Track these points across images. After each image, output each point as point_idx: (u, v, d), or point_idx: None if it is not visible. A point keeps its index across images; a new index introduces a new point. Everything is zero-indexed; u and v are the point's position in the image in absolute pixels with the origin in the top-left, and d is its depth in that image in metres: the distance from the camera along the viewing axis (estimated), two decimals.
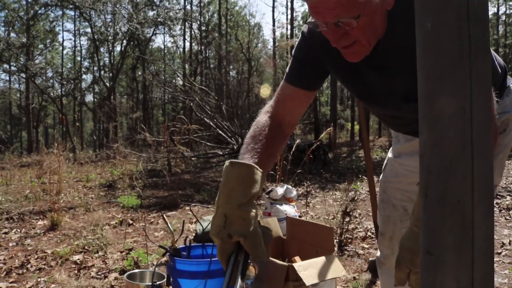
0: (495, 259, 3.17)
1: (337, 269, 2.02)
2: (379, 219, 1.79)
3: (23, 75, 23.05)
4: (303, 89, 1.34)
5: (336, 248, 3.51)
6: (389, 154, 1.75)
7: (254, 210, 1.09)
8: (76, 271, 3.10)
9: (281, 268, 2.00)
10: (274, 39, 29.32)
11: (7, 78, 30.55)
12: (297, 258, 2.20)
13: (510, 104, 1.37)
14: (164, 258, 3.05)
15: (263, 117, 1.34)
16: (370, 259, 3.06)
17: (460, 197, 0.53)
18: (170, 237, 2.41)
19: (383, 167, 1.78)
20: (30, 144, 25.51)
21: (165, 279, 2.16)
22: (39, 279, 2.99)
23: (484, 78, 0.54)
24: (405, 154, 1.64)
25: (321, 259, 2.05)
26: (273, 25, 28.98)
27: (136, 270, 2.34)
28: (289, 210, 3.65)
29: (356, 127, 23.81)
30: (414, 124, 1.53)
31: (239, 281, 1.04)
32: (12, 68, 23.58)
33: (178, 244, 2.23)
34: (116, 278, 2.87)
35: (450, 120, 0.54)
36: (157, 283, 2.16)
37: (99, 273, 3.03)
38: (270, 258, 2.15)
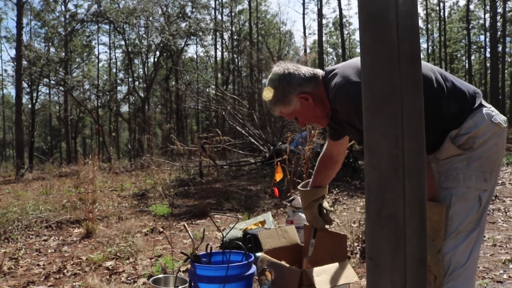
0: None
1: (349, 275, 2.10)
2: None
3: (61, 88, 23.88)
4: (333, 140, 2.12)
5: (358, 255, 3.56)
6: None
7: (313, 210, 2.24)
8: (108, 276, 3.28)
9: (295, 273, 2.10)
10: (305, 46, 29.37)
11: (47, 91, 31.78)
12: (308, 263, 2.30)
13: (474, 125, 1.60)
14: (188, 265, 3.19)
15: (322, 154, 2.22)
16: None
17: (393, 211, 0.63)
18: (198, 244, 2.55)
19: None
20: (69, 154, 26.42)
21: (187, 284, 2.29)
22: (74, 283, 3.18)
23: (415, 110, 0.64)
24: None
25: (334, 265, 2.14)
26: (304, 32, 29.05)
27: (161, 275, 2.48)
28: None
29: None
30: None
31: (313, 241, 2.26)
32: (52, 82, 24.50)
33: (201, 251, 2.36)
34: (144, 283, 3.03)
35: (384, 146, 0.64)
36: (180, 287, 2.29)
37: (129, 278, 3.20)
38: (285, 264, 2.25)
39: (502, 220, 4.69)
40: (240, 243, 2.29)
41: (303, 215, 3.72)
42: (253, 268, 2.15)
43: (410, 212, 0.65)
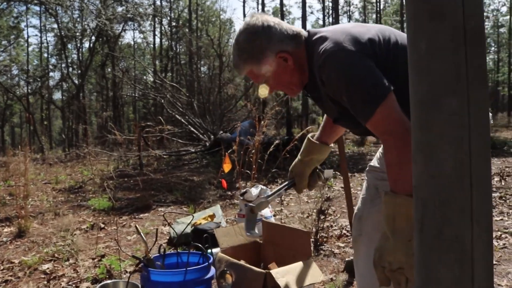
0: None
1: (315, 274, 2.00)
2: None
3: None
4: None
5: (312, 248, 3.49)
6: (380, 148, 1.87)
7: (307, 168, 1.89)
8: (45, 282, 2.99)
9: (258, 275, 1.96)
10: None
11: None
12: (272, 265, 2.17)
13: None
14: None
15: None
16: (347, 259, 3.05)
17: (458, 232, 0.49)
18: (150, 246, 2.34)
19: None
20: None
21: None
22: None
23: (483, 103, 0.50)
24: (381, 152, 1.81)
25: (299, 265, 2.02)
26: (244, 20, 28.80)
27: (109, 281, 2.26)
28: (264, 210, 3.61)
29: None
30: (371, 135, 1.72)
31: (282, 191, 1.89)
32: None
33: (152, 251, 2.17)
34: None
35: (446, 150, 0.50)
36: None
37: (70, 283, 2.93)
38: (247, 265, 2.11)
39: None
40: (192, 242, 2.13)
41: None
42: (213, 271, 1.99)
43: (478, 232, 0.52)
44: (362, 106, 1.35)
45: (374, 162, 1.84)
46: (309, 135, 1.88)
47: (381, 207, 1.67)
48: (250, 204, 1.85)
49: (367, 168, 1.87)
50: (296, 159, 1.88)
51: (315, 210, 3.83)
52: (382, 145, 1.76)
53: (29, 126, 25.82)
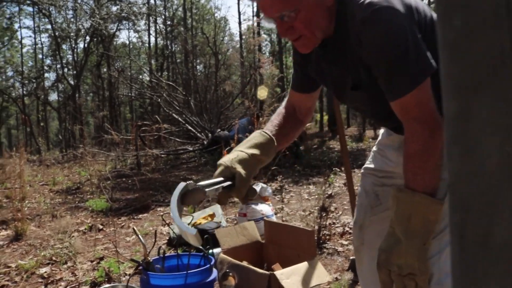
0: None
1: (321, 275, 1.93)
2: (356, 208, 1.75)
3: None
4: (299, 92, 1.55)
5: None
6: (374, 148, 1.71)
7: (254, 165, 1.33)
8: (43, 286, 2.92)
9: (262, 277, 1.89)
10: (240, 32, 29.13)
11: None
12: (276, 266, 2.10)
13: None
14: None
15: (279, 109, 1.59)
16: (351, 257, 2.99)
17: (509, 239, 0.42)
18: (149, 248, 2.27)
19: (367, 159, 1.73)
20: None
21: None
22: None
23: None
24: (385, 146, 1.62)
25: (304, 265, 1.95)
26: (239, 18, 28.78)
27: (108, 285, 2.19)
28: (265, 209, 3.55)
29: (325, 117, 23.92)
30: (383, 121, 1.49)
31: (212, 189, 1.24)
32: None
33: (152, 253, 2.10)
34: None
35: (491, 143, 0.43)
36: None
37: (68, 287, 2.86)
38: (250, 266, 2.04)
39: None
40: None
41: (257, 207, 3.53)
42: (215, 273, 1.92)
43: None
44: (398, 80, 1.16)
45: (370, 164, 1.67)
46: (263, 131, 1.46)
47: (383, 215, 1.54)
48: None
49: (363, 171, 1.70)
50: (239, 153, 1.33)
51: (316, 208, 3.77)
52: (383, 148, 1.62)
53: (26, 128, 25.69)
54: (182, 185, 1.25)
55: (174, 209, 1.22)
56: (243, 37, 28.50)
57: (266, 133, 1.42)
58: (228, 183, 1.27)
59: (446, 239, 1.26)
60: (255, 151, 1.35)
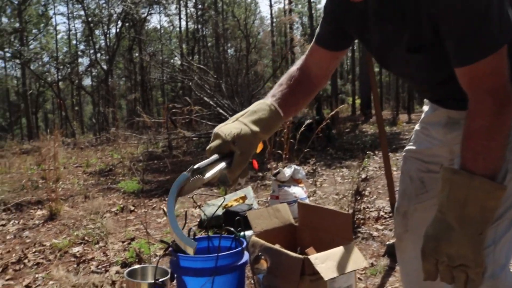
0: None
1: (357, 260, 1.83)
2: (398, 194, 1.60)
3: (17, 61, 22.69)
4: (326, 48, 1.34)
5: None
6: (417, 126, 1.54)
7: (255, 144, 1.17)
8: (75, 265, 2.93)
9: (296, 261, 1.81)
10: (271, 14, 28.82)
11: (3, 65, 30.26)
12: (310, 250, 2.01)
13: None
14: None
15: (292, 68, 1.37)
16: (387, 242, 2.88)
17: None
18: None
19: (408, 139, 1.58)
20: (30, 130, 25.37)
21: (168, 276, 1.98)
22: (36, 276, 2.83)
23: None
24: (430, 124, 1.44)
25: (339, 250, 1.86)
26: (270, 1, 28.44)
27: (137, 266, 2.16)
28: (298, 192, 3.47)
29: (357, 101, 23.52)
30: (433, 90, 1.26)
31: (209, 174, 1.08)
32: (7, 54, 23.23)
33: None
34: (117, 272, 2.70)
35: None
36: (160, 280, 1.98)
37: (99, 266, 2.86)
38: (283, 250, 1.96)
39: None
40: (223, 224, 2.00)
41: (290, 190, 3.45)
42: (246, 256, 1.85)
43: None
44: (473, 43, 0.98)
45: (413, 145, 1.51)
46: (268, 101, 1.26)
47: (429, 203, 1.42)
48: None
49: (405, 154, 1.55)
50: (243, 127, 1.16)
51: (350, 191, 3.66)
52: (427, 127, 1.45)
53: (61, 112, 26.28)
54: (183, 176, 1.09)
55: (172, 205, 1.12)
56: (274, 20, 28.18)
57: (275, 107, 1.23)
58: (224, 164, 1.12)
59: (503, 226, 1.11)
60: (259, 129, 1.18)
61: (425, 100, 1.49)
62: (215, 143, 1.15)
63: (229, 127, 1.16)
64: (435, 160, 1.41)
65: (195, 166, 1.08)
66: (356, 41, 1.39)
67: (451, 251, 1.00)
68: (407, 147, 1.56)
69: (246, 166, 1.17)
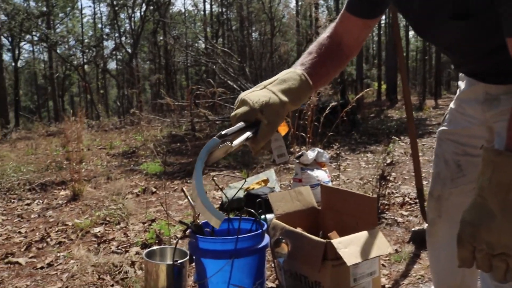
0: None
1: (382, 246, 1.76)
2: (431, 177, 1.50)
3: (44, 44, 23.00)
4: (357, 16, 1.24)
5: None
6: (451, 104, 1.43)
7: (282, 115, 1.07)
8: (96, 245, 2.93)
9: (318, 245, 1.75)
10: None
11: (31, 49, 30.79)
12: (333, 234, 1.94)
13: None
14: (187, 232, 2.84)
15: (321, 36, 1.27)
16: (413, 229, 2.79)
17: None
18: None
19: (442, 119, 1.47)
20: (56, 113, 25.77)
21: (187, 257, 1.94)
22: (58, 254, 2.84)
23: None
24: (466, 101, 1.33)
25: (363, 234, 1.79)
26: None
27: (156, 247, 2.13)
28: (321, 175, 3.39)
29: (383, 86, 23.13)
30: (475, 63, 1.12)
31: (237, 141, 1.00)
32: (34, 38, 23.57)
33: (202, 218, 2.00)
34: (137, 253, 2.68)
35: None
36: (179, 262, 1.94)
37: (119, 247, 2.85)
38: (305, 233, 1.90)
39: None
40: (245, 207, 1.94)
41: (313, 173, 3.38)
42: (266, 239, 1.79)
43: None
44: None
45: (448, 126, 1.41)
46: (298, 70, 1.16)
47: (466, 188, 1.33)
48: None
49: (439, 135, 1.44)
50: (272, 96, 1.07)
51: (375, 176, 3.56)
52: (463, 105, 1.33)
53: (86, 95, 26.62)
54: (214, 141, 0.99)
55: (199, 171, 1.00)
56: (300, 2, 27.78)
57: (305, 77, 1.14)
58: (250, 133, 1.03)
59: None
60: (288, 99, 1.08)
61: (460, 75, 1.38)
62: (241, 109, 1.05)
63: (257, 95, 1.07)
64: (473, 142, 1.31)
65: (223, 132, 0.99)
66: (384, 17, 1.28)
67: (492, 239, 0.92)
68: (441, 128, 1.45)
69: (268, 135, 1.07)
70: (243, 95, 1.08)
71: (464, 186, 1.33)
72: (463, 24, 1.01)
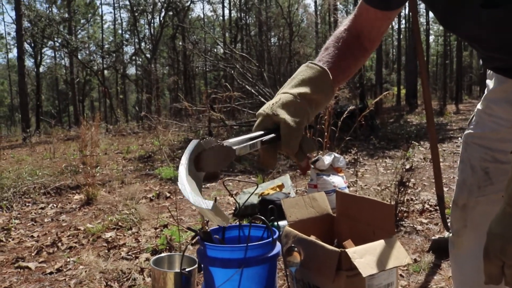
0: None
1: (400, 256, 1.65)
2: (456, 184, 1.38)
3: (65, 50, 23.35)
4: (377, 8, 1.15)
5: None
6: (478, 105, 1.31)
7: (304, 107, 0.98)
8: (106, 250, 2.88)
9: (332, 254, 1.65)
10: (315, 2, 28.33)
11: (52, 54, 31.29)
12: (348, 242, 1.84)
13: None
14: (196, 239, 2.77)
15: (338, 30, 1.19)
16: (433, 237, 2.67)
17: None
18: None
19: (468, 121, 1.34)
20: (77, 117, 26.09)
21: (196, 265, 1.87)
22: (68, 259, 2.80)
23: None
24: (495, 101, 1.22)
25: (380, 243, 1.68)
26: None
27: (164, 254, 2.05)
28: (338, 181, 3.29)
29: (403, 91, 22.85)
30: (508, 56, 1.06)
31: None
32: (56, 44, 23.95)
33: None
34: (147, 259, 2.62)
35: None
36: (187, 270, 1.87)
37: (129, 253, 2.80)
38: (318, 241, 1.81)
39: None
40: (259, 213, 1.86)
41: (329, 179, 3.28)
42: (278, 247, 1.71)
43: None
44: None
45: (475, 129, 1.29)
46: (311, 62, 1.07)
47: (494, 198, 1.20)
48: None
49: (465, 139, 1.32)
50: (282, 95, 0.99)
51: (393, 182, 3.44)
52: (491, 106, 1.22)
53: (106, 100, 26.90)
54: (193, 143, 0.88)
55: (183, 176, 0.83)
56: (318, 8, 27.69)
57: (315, 64, 1.04)
58: (270, 136, 0.92)
59: None
60: (304, 89, 1.00)
61: (488, 72, 1.26)
62: (257, 122, 0.99)
63: (268, 103, 1.01)
64: (502, 147, 1.20)
65: (227, 141, 0.88)
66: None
67: None
68: (466, 131, 1.33)
69: (305, 137, 0.98)
70: (258, 112, 1.00)
71: (492, 196, 1.22)
72: (495, 12, 0.91)
